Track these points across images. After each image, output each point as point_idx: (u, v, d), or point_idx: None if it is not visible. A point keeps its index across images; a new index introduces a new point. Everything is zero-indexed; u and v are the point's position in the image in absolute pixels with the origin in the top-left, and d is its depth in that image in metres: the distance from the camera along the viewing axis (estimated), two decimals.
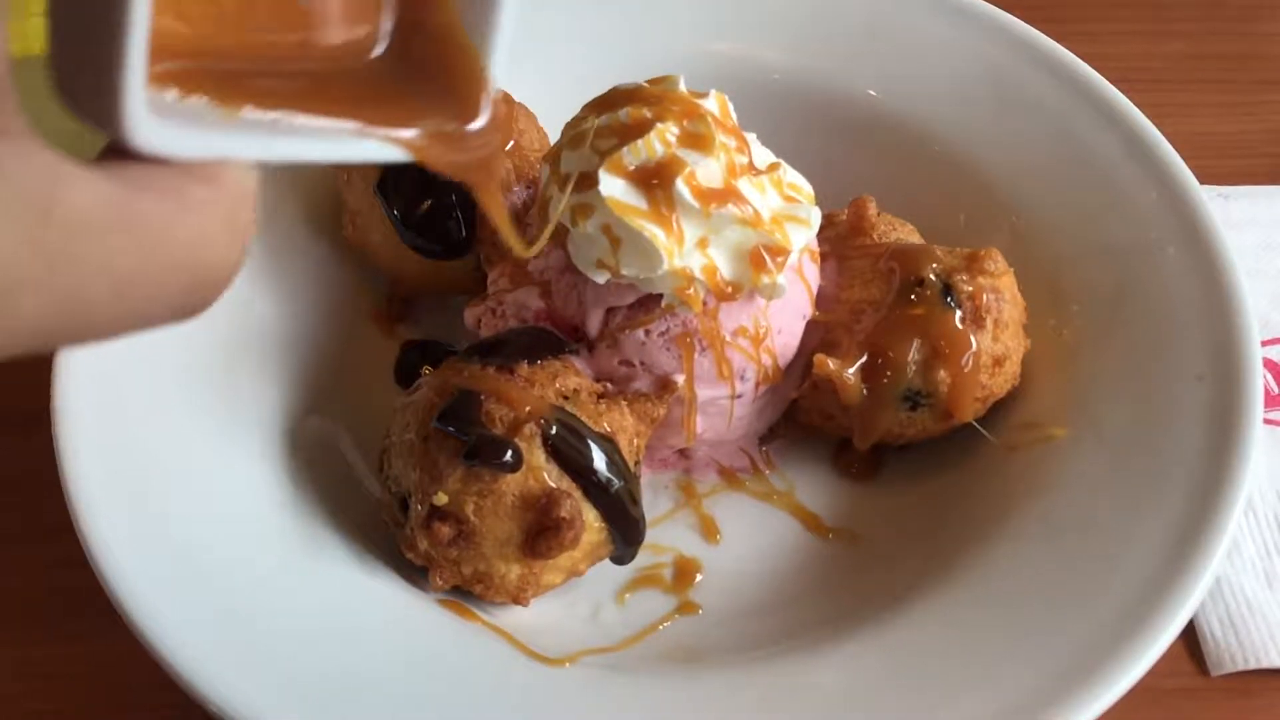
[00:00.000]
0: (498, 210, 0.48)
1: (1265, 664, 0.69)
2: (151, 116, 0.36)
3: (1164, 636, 0.59)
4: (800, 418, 0.75)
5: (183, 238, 0.37)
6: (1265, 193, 0.92)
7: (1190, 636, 0.71)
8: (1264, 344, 0.83)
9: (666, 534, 0.73)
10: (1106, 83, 0.80)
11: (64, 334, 0.37)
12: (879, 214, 0.75)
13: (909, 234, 0.76)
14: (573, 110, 0.70)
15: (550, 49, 0.84)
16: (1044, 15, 1.02)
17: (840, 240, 0.75)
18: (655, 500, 0.74)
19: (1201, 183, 0.90)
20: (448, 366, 0.67)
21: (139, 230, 0.36)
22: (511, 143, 0.76)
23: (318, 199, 0.80)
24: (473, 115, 0.45)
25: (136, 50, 0.34)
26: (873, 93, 0.84)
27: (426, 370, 0.69)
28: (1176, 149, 0.78)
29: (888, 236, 0.74)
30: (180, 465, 0.67)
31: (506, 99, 0.76)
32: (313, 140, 0.41)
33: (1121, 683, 0.58)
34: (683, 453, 0.75)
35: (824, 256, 0.74)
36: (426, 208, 0.73)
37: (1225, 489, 0.63)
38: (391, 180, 0.73)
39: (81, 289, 0.36)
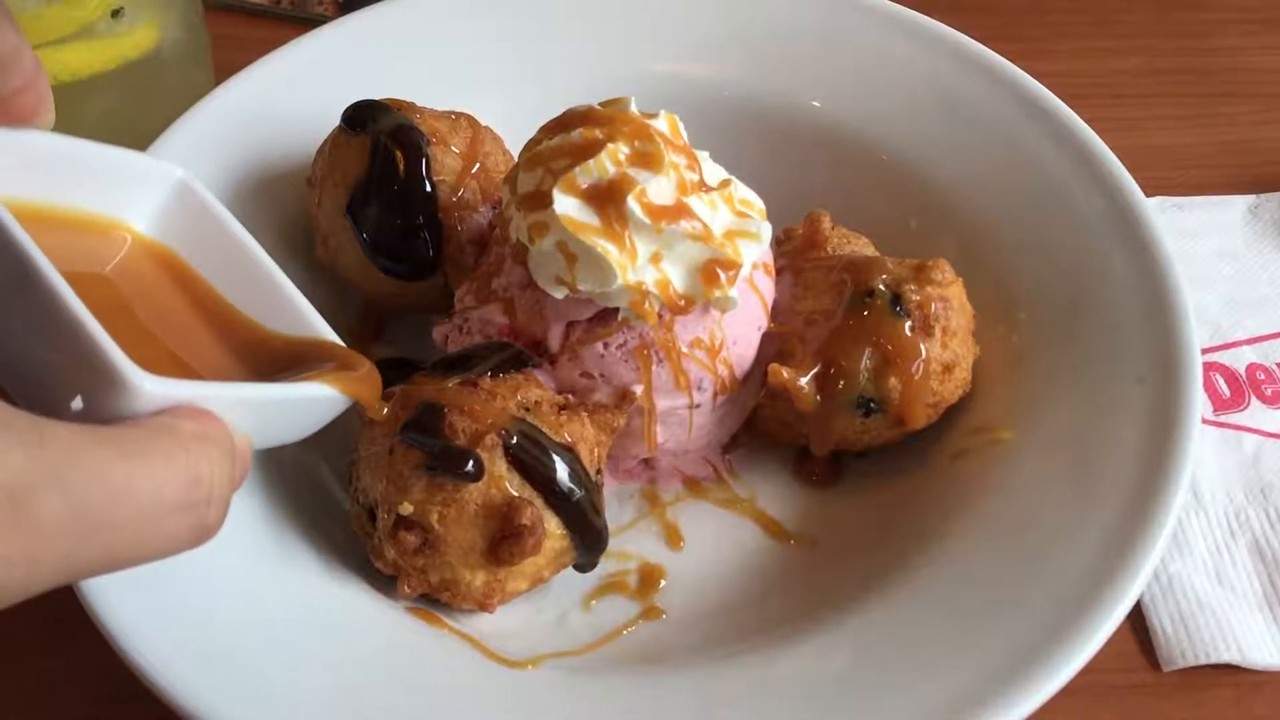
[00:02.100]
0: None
1: (1215, 659, 0.71)
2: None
3: (1103, 629, 0.61)
4: (760, 426, 0.77)
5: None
6: (1219, 203, 0.94)
7: (1143, 633, 0.73)
8: (1217, 349, 0.85)
9: (632, 542, 0.75)
10: (1054, 97, 0.83)
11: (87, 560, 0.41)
12: (833, 228, 0.78)
13: (863, 247, 0.78)
14: (535, 129, 0.73)
15: (514, 74, 0.87)
16: (1006, 34, 1.05)
17: (796, 254, 0.77)
18: (621, 509, 0.76)
19: (1158, 194, 0.93)
20: (413, 381, 0.70)
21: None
22: (477, 165, 0.78)
23: (290, 221, 0.82)
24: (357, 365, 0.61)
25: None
26: (824, 108, 0.86)
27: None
28: (1134, 162, 0.80)
29: (842, 249, 0.77)
30: None
31: (472, 122, 0.80)
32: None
33: (1062, 674, 0.60)
34: (647, 463, 0.77)
35: (780, 269, 0.76)
36: (394, 230, 0.76)
37: (1164, 487, 0.65)
38: (360, 203, 0.76)
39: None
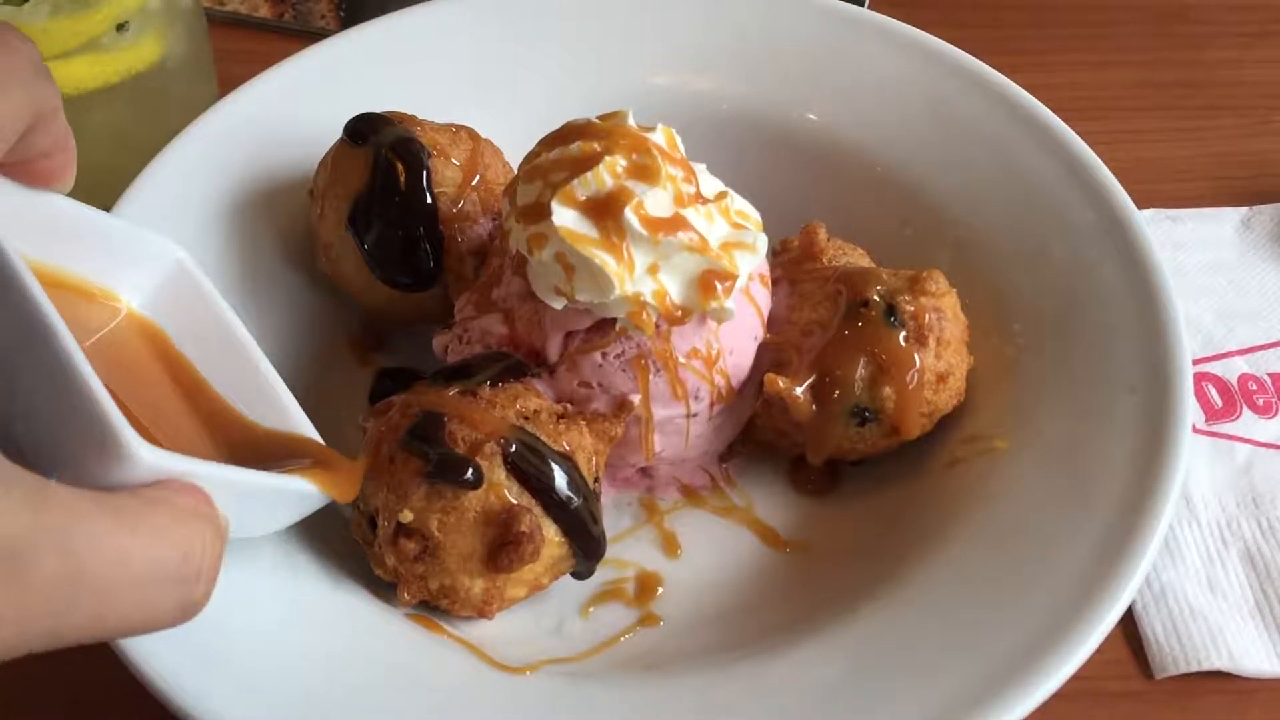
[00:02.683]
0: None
1: (1207, 666, 0.72)
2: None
3: (1095, 634, 0.62)
4: (757, 435, 0.78)
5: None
6: (1212, 214, 0.95)
7: (1135, 641, 0.74)
8: (1209, 359, 0.86)
9: (630, 550, 0.75)
10: (1046, 109, 0.84)
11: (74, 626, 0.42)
12: (829, 239, 0.79)
13: (859, 258, 0.79)
14: (535, 141, 0.74)
15: (514, 87, 0.89)
16: (1000, 47, 1.06)
17: (792, 265, 0.78)
18: (619, 517, 0.77)
19: (1151, 206, 0.94)
20: (414, 390, 0.70)
21: None
22: (477, 177, 0.79)
23: (292, 232, 0.83)
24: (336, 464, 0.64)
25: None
26: (820, 121, 0.87)
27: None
28: (1128, 174, 0.81)
29: (838, 261, 0.78)
30: None
31: (472, 135, 0.81)
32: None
33: (1055, 678, 0.61)
34: (645, 471, 0.78)
35: (776, 280, 0.77)
36: (395, 242, 0.77)
37: (1155, 494, 0.66)
38: (362, 215, 0.77)
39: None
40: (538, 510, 0.67)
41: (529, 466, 0.67)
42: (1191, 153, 1.01)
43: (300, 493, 0.60)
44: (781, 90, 0.88)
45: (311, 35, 1.08)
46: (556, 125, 0.73)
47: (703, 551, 0.75)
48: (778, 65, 0.88)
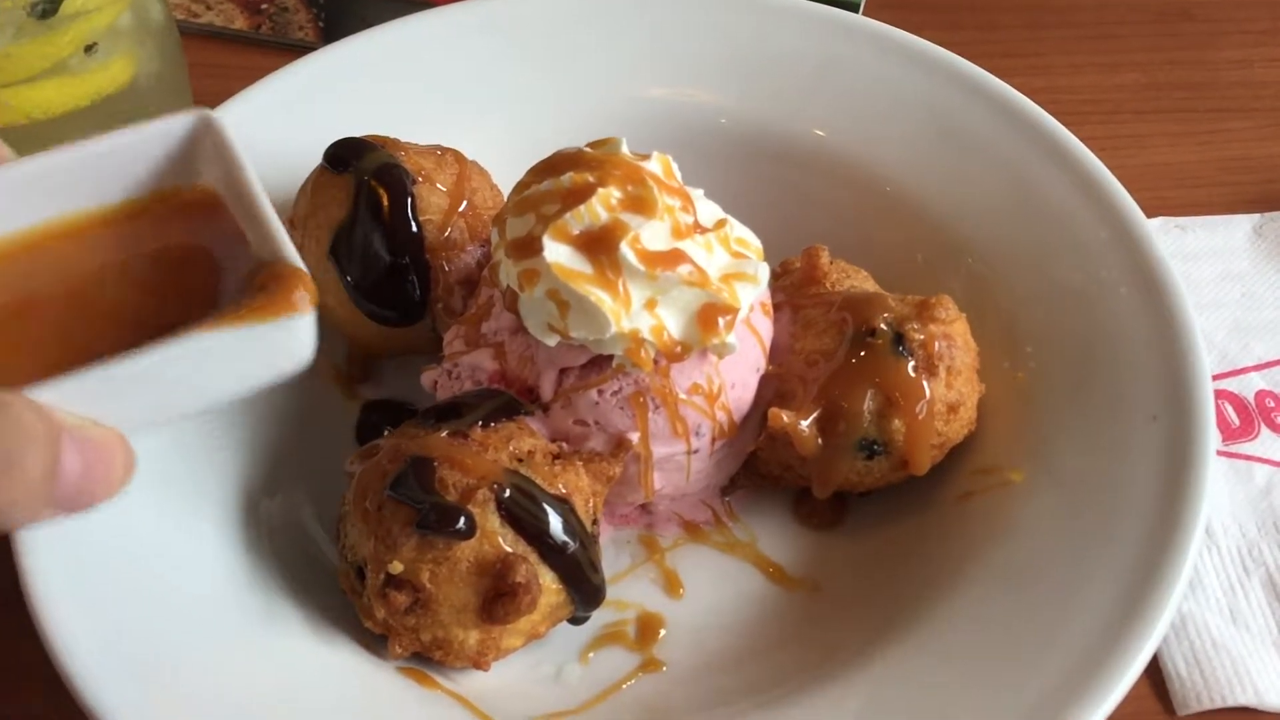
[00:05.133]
0: None
1: (1231, 702, 0.70)
2: None
3: (1124, 680, 0.59)
4: (760, 468, 0.75)
5: None
6: (1222, 222, 0.92)
7: (1156, 675, 0.71)
8: (1225, 376, 0.84)
9: (629, 590, 0.73)
10: (1057, 123, 0.81)
11: None
12: (832, 262, 0.75)
13: (863, 281, 0.76)
14: (526, 162, 0.71)
15: (500, 104, 0.85)
16: (999, 50, 1.03)
17: (794, 289, 0.75)
18: (617, 556, 0.74)
19: (1158, 214, 0.91)
20: (401, 432, 0.67)
21: None
22: (465, 203, 0.76)
23: None
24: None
25: None
26: (821, 134, 0.84)
27: (388, 431, 0.69)
28: (1133, 181, 0.79)
29: (841, 284, 0.75)
30: (135, 537, 0.66)
31: (458, 157, 0.77)
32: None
33: None
34: (644, 507, 0.75)
35: (778, 306, 0.74)
36: (380, 274, 0.73)
37: (1180, 530, 0.63)
38: (344, 246, 0.74)
39: None
40: (534, 558, 0.64)
41: (523, 512, 0.64)
42: (1199, 158, 0.98)
43: (236, 341, 0.50)
44: (781, 102, 0.84)
45: (289, 47, 1.05)
46: (546, 142, 0.71)
47: (706, 590, 0.73)
48: (776, 76, 0.85)
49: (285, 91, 0.84)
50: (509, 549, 0.63)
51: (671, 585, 0.73)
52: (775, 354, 0.72)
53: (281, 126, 0.83)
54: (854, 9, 0.99)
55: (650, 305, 0.65)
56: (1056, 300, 0.75)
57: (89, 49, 0.82)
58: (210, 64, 1.02)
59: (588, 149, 0.67)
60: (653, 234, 0.64)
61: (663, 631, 0.71)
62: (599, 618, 0.70)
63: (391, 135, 0.78)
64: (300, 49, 1.04)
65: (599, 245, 0.63)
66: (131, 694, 0.60)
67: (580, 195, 0.64)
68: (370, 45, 0.87)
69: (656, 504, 0.74)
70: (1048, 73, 1.04)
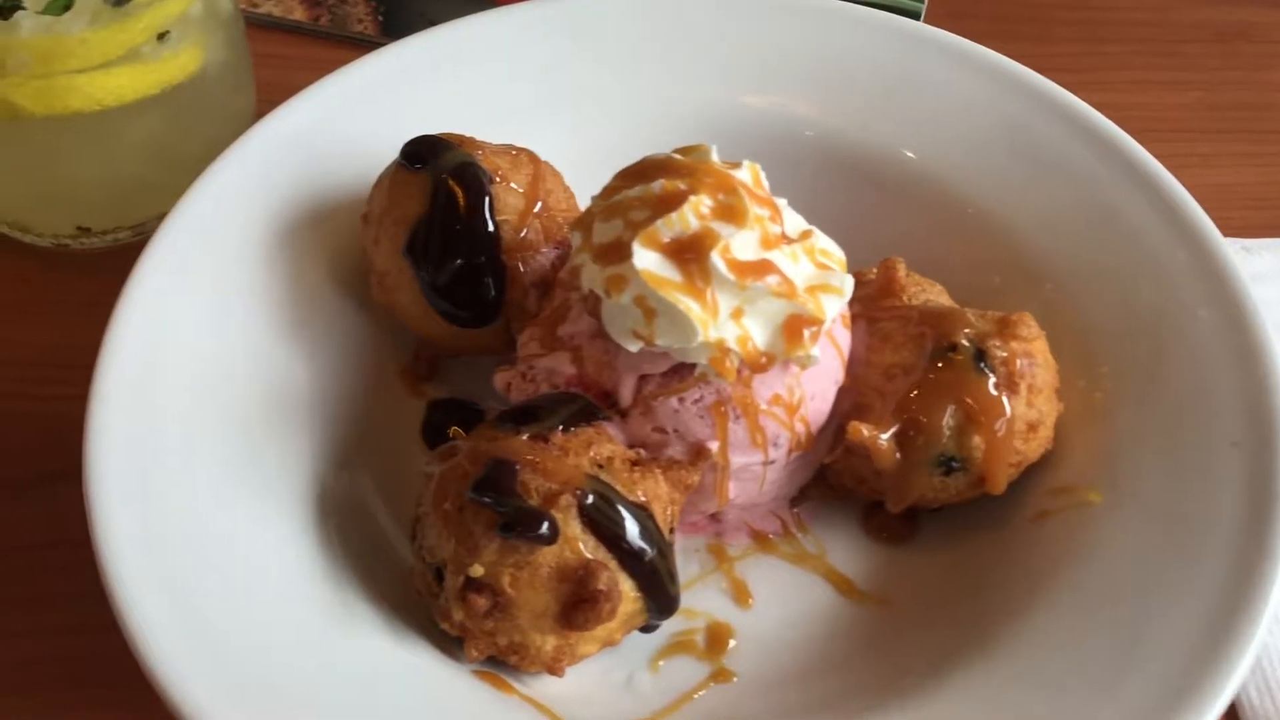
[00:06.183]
0: None
1: None
2: None
3: (1209, 716, 0.58)
4: (832, 480, 0.74)
5: None
6: None
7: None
8: None
9: (698, 598, 0.72)
10: (1132, 140, 0.81)
11: None
12: (908, 274, 0.75)
13: (938, 295, 0.76)
14: (601, 165, 0.70)
15: (577, 106, 0.84)
16: (1059, 65, 1.02)
17: (870, 301, 0.74)
18: (686, 564, 0.73)
19: (1224, 236, 0.90)
20: (481, 434, 0.67)
21: None
22: (540, 204, 0.75)
23: (343, 257, 0.79)
24: None
25: None
26: (903, 151, 0.83)
27: (454, 431, 0.69)
28: (1197, 202, 0.78)
29: (917, 298, 0.74)
30: (211, 533, 0.66)
31: (533, 158, 0.77)
32: None
33: None
34: (713, 516, 0.74)
35: (854, 318, 0.73)
36: (456, 273, 0.73)
37: (1265, 561, 0.63)
38: (420, 244, 0.73)
39: None
40: (614, 565, 0.64)
41: (605, 519, 0.63)
42: (1265, 179, 0.98)
43: None
44: (858, 114, 0.84)
45: (348, 40, 1.05)
46: (621, 148, 0.71)
47: (775, 601, 0.72)
48: (854, 89, 0.84)
49: (353, 87, 0.84)
50: (590, 555, 0.63)
51: (740, 595, 0.73)
52: (851, 365, 0.72)
53: (350, 123, 0.82)
54: (915, 18, 0.99)
55: (737, 315, 0.64)
56: (1133, 320, 0.75)
57: (161, 37, 0.82)
58: (268, 54, 1.01)
59: (677, 155, 0.66)
60: (742, 243, 0.63)
61: (732, 641, 0.71)
62: (668, 626, 0.69)
63: (464, 133, 0.78)
64: (359, 42, 1.04)
65: (689, 253, 0.63)
66: (205, 677, 0.59)
67: (671, 202, 0.63)
68: (437, 43, 0.86)
69: (726, 513, 0.74)
70: (1107, 88, 1.03)
